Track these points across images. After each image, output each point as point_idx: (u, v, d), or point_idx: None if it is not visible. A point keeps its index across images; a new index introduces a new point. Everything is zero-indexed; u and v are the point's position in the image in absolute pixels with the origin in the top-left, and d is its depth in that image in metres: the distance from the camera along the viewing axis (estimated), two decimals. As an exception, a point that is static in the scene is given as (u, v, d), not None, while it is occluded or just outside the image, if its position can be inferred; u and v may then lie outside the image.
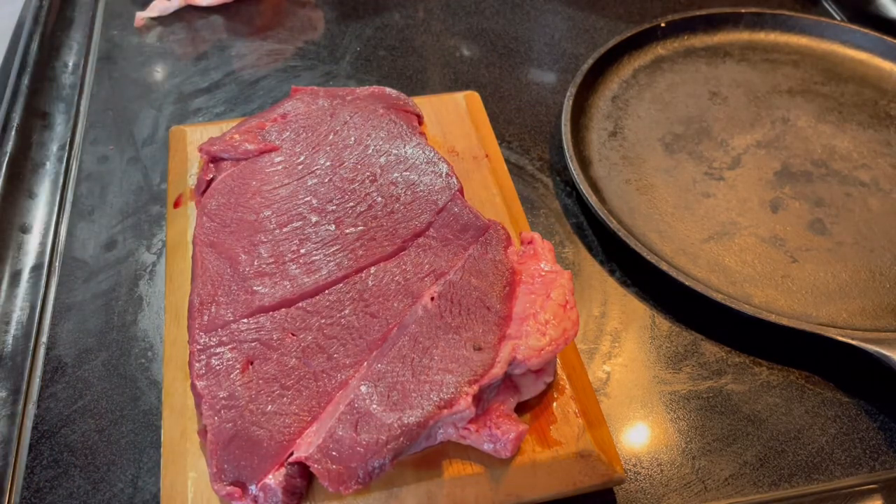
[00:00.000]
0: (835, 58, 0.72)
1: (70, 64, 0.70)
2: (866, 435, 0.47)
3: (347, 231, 0.45)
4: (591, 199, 0.56)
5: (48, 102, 0.66)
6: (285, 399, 0.39)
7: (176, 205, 0.52)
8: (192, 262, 0.45)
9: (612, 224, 0.54)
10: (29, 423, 0.46)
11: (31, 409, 0.46)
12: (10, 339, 0.50)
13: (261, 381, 0.39)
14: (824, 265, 0.55)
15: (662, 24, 0.72)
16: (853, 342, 0.47)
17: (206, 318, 0.42)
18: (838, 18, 0.79)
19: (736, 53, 0.72)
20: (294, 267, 0.44)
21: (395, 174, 0.48)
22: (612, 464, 0.41)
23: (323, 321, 0.42)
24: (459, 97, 0.61)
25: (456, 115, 0.59)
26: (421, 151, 0.50)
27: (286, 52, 0.73)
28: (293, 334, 0.41)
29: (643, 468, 0.45)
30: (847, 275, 0.54)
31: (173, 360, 0.44)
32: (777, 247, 0.56)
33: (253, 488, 0.36)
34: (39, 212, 0.58)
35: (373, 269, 0.44)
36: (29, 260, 0.54)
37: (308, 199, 0.47)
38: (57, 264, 0.54)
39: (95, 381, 0.47)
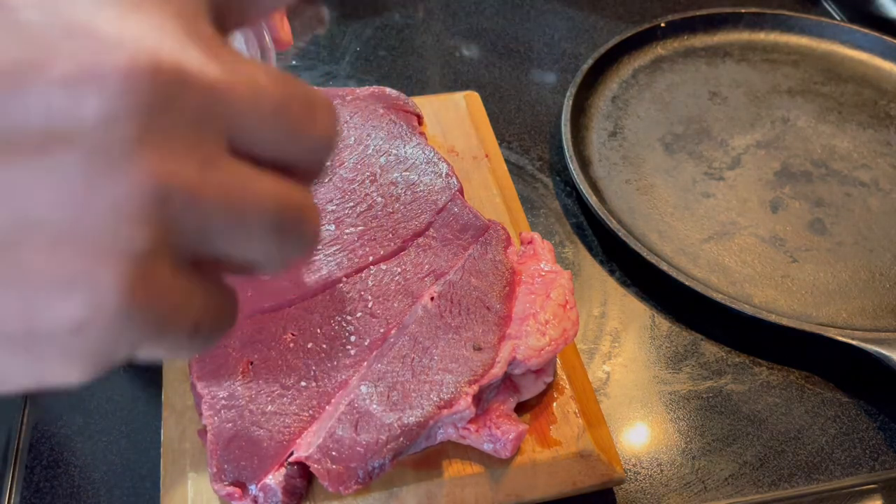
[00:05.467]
0: (835, 58, 0.72)
1: (70, 64, 0.70)
2: (866, 435, 0.47)
3: (347, 231, 0.45)
4: (591, 199, 0.56)
5: (48, 102, 0.66)
6: (285, 399, 0.39)
7: (176, 205, 0.52)
8: (192, 262, 0.45)
9: (612, 224, 0.54)
10: (29, 423, 0.46)
11: (31, 409, 0.46)
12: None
13: (261, 381, 0.39)
14: (824, 265, 0.55)
15: (662, 24, 0.72)
16: (853, 342, 0.47)
17: (206, 318, 0.42)
18: (838, 18, 0.79)
19: (736, 53, 0.72)
20: (294, 267, 0.44)
21: (395, 174, 0.48)
22: (612, 464, 0.41)
23: (323, 321, 0.42)
24: (459, 97, 0.61)
25: (456, 115, 0.59)
26: (421, 151, 0.50)
27: (285, 52, 0.72)
28: (293, 334, 0.41)
29: (643, 468, 0.45)
30: (847, 275, 0.54)
31: (173, 360, 0.44)
32: (777, 247, 0.56)
33: (253, 488, 0.36)
34: (39, 212, 0.58)
35: (373, 269, 0.44)
36: (29, 260, 0.54)
37: (308, 199, 0.47)
38: (57, 264, 0.54)
39: (95, 381, 0.47)
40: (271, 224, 0.21)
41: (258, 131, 0.21)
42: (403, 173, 0.49)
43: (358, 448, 0.36)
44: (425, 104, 0.59)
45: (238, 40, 0.42)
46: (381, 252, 0.44)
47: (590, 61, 0.67)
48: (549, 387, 0.42)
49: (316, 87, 0.57)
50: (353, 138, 0.51)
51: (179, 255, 0.20)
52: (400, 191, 0.48)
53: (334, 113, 0.23)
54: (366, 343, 0.41)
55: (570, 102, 0.63)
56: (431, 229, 0.46)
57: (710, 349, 0.51)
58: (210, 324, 0.21)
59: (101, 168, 0.18)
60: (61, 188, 0.18)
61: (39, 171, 0.18)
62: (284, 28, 0.44)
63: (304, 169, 0.23)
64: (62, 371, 0.21)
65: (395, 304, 0.42)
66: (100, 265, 0.18)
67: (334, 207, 0.47)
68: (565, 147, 0.60)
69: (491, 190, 0.54)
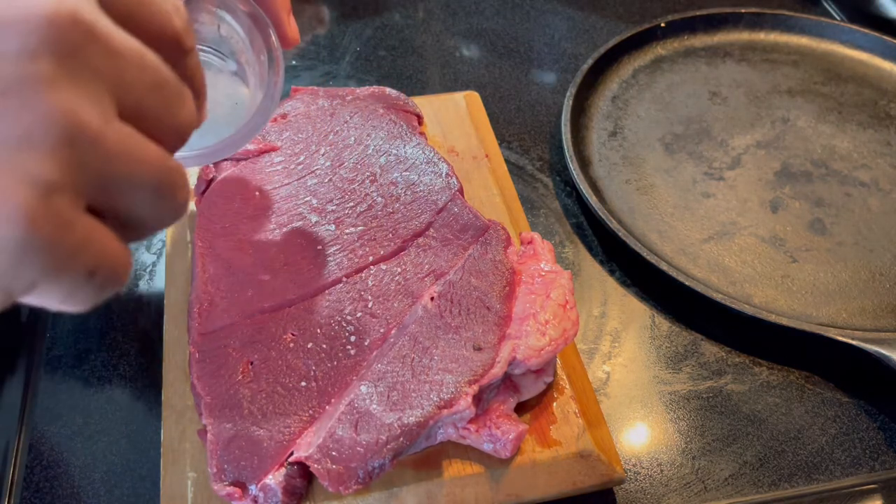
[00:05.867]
0: (835, 58, 0.72)
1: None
2: (866, 435, 0.47)
3: (347, 231, 0.45)
4: (591, 199, 0.56)
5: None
6: (285, 399, 0.39)
7: (176, 205, 0.52)
8: (192, 262, 0.45)
9: (612, 224, 0.54)
10: (29, 423, 0.46)
11: (31, 409, 0.46)
12: (10, 340, 0.50)
13: (261, 381, 0.39)
14: (824, 265, 0.55)
15: (662, 24, 0.72)
16: (853, 342, 0.47)
17: (206, 318, 0.42)
18: (838, 18, 0.79)
19: (736, 53, 0.72)
20: (294, 267, 0.44)
21: (395, 174, 0.48)
22: (612, 464, 0.41)
23: (323, 321, 0.42)
24: (459, 97, 0.61)
25: (456, 115, 0.59)
26: (421, 151, 0.50)
27: (286, 52, 0.72)
28: (293, 334, 0.41)
29: (643, 468, 0.45)
30: (847, 275, 0.54)
31: (173, 360, 0.44)
32: (777, 247, 0.56)
33: (253, 488, 0.36)
34: (39, 212, 0.58)
35: (373, 269, 0.44)
36: (29, 260, 0.54)
37: (308, 199, 0.47)
38: (57, 264, 0.54)
39: (95, 381, 0.47)
40: (154, 183, 0.24)
41: (142, 99, 0.24)
42: (403, 173, 0.49)
43: (358, 448, 0.36)
44: (425, 104, 0.59)
45: (243, 39, 0.41)
46: (381, 252, 0.44)
47: (590, 61, 0.67)
48: (549, 387, 0.42)
49: (316, 87, 0.57)
50: (353, 138, 0.51)
51: (81, 197, 0.22)
52: (400, 191, 0.48)
53: (193, 108, 0.27)
54: (366, 343, 0.41)
55: (570, 102, 0.63)
56: (431, 229, 0.46)
57: (710, 349, 0.51)
58: (105, 273, 0.23)
59: (15, 98, 0.20)
60: None
61: None
62: (291, 25, 0.43)
63: (170, 143, 0.26)
64: None
65: (395, 304, 0.42)
66: (7, 191, 0.20)
67: (334, 207, 0.47)
68: (565, 147, 0.60)
69: (491, 190, 0.54)
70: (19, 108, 0.20)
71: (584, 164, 0.61)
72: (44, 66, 0.21)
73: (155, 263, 0.54)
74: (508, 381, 0.41)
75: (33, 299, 0.23)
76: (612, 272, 0.55)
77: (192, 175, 0.54)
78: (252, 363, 0.40)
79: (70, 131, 0.21)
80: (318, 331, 0.41)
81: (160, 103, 0.25)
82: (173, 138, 0.26)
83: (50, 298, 0.23)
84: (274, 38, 0.38)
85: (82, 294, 0.23)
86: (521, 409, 0.41)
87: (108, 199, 0.23)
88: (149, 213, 0.25)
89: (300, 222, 0.46)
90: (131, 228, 0.25)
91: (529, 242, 0.46)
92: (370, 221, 0.46)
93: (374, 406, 0.38)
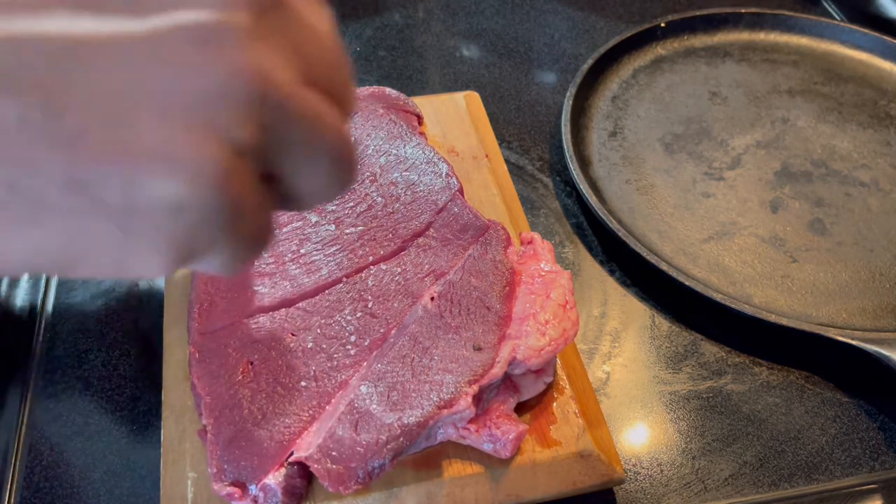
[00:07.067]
0: (835, 58, 0.72)
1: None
2: (866, 435, 0.47)
3: (347, 231, 0.45)
4: (591, 199, 0.56)
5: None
6: (285, 399, 0.39)
7: (176, 205, 0.52)
8: (192, 262, 0.45)
9: (612, 224, 0.54)
10: (29, 423, 0.46)
11: (31, 409, 0.46)
12: (10, 340, 0.50)
13: (261, 381, 0.39)
14: (824, 265, 0.55)
15: (662, 24, 0.72)
16: (853, 342, 0.47)
17: (205, 318, 0.42)
18: (838, 18, 0.79)
19: (736, 53, 0.72)
20: (294, 267, 0.44)
21: (395, 174, 0.48)
22: (612, 464, 0.41)
23: (323, 321, 0.42)
24: (459, 97, 0.61)
25: (456, 115, 0.59)
26: (421, 151, 0.50)
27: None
28: (293, 334, 0.41)
29: (643, 468, 0.45)
30: (847, 275, 0.54)
31: (173, 360, 0.44)
32: (777, 247, 0.56)
33: (253, 488, 0.36)
34: (39, 212, 0.58)
35: (373, 269, 0.44)
36: (29, 260, 0.54)
37: (308, 199, 0.47)
38: (57, 264, 0.54)
39: (95, 381, 0.47)
40: (333, 152, 0.23)
41: (324, 63, 0.23)
42: (403, 173, 0.49)
43: (358, 448, 0.36)
44: (425, 104, 0.59)
45: None
46: (381, 252, 0.44)
47: (590, 61, 0.67)
48: (549, 387, 0.42)
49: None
50: (352, 138, 0.51)
51: (261, 161, 0.21)
52: (400, 191, 0.48)
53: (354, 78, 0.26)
54: (366, 343, 0.41)
55: (570, 102, 0.63)
56: (431, 229, 0.46)
57: (710, 349, 0.51)
58: (263, 241, 0.23)
59: (215, 49, 0.19)
60: (176, 60, 0.19)
61: (157, 42, 0.19)
62: None
63: (345, 112, 0.24)
64: (146, 257, 0.20)
65: (395, 304, 0.42)
66: (201, 146, 0.19)
67: (334, 207, 0.47)
68: (565, 147, 0.60)
69: (491, 190, 0.54)
70: (217, 60, 0.19)
71: (584, 164, 0.61)
72: (242, 17, 0.20)
73: (155, 263, 0.54)
74: (508, 381, 0.41)
75: (197, 262, 0.22)
76: (612, 272, 0.55)
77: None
78: (252, 363, 0.40)
79: (264, 90, 0.20)
80: (318, 331, 0.41)
81: (338, 68, 0.24)
82: (347, 107, 0.25)
83: (213, 262, 0.22)
84: None
85: (239, 258, 0.22)
86: (521, 409, 0.41)
87: (286, 165, 0.22)
88: (317, 184, 0.23)
89: (300, 222, 0.46)
90: (291, 200, 0.24)
91: (529, 242, 0.46)
92: (370, 221, 0.46)
93: (374, 406, 0.38)
